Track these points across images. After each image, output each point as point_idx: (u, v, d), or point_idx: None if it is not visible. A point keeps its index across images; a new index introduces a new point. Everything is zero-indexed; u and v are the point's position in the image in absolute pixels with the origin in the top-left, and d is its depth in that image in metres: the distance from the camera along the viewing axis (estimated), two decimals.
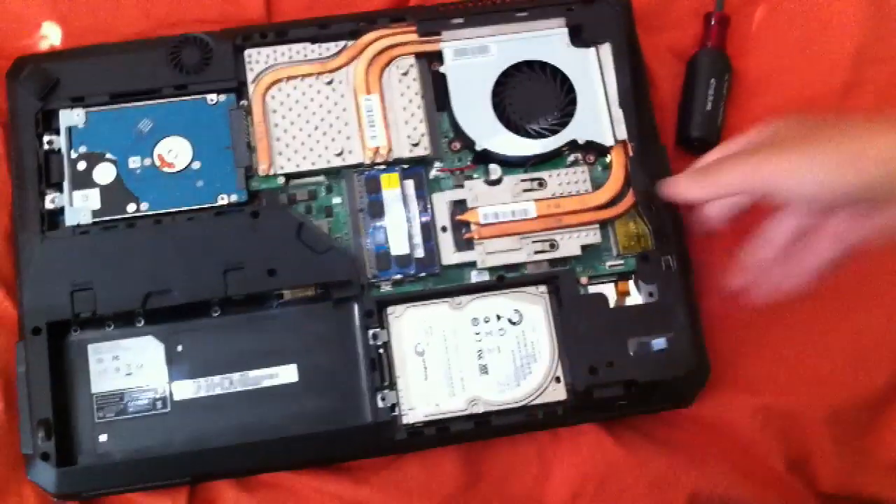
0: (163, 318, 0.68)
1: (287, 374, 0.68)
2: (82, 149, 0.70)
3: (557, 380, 0.68)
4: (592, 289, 0.70)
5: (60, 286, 0.67)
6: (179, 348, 0.68)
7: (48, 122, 0.71)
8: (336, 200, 0.71)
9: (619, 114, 0.72)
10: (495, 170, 0.71)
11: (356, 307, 0.68)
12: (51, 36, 0.76)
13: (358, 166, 0.71)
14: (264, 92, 0.71)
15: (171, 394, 0.67)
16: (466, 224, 0.70)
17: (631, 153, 0.71)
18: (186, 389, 0.67)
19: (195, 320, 0.68)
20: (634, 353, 0.67)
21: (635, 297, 0.70)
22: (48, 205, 0.69)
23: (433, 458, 0.69)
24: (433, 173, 0.72)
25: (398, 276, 0.69)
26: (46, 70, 0.71)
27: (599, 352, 0.67)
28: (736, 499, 0.70)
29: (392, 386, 0.67)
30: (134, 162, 0.70)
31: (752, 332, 0.73)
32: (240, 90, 0.72)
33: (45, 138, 0.70)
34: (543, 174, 0.71)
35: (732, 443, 0.71)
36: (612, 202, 0.71)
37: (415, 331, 0.68)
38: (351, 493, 0.68)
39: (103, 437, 0.66)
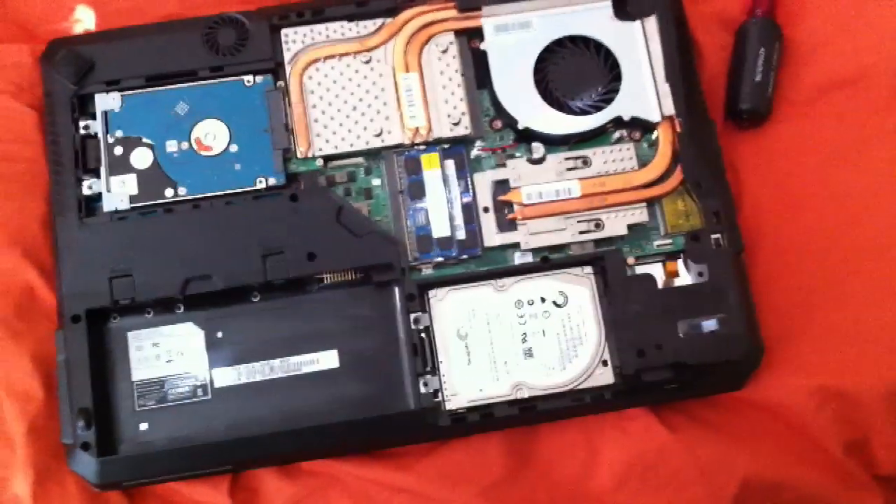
0: (202, 304, 0.67)
1: (328, 359, 0.67)
2: (118, 133, 0.69)
3: (605, 363, 0.66)
4: (640, 269, 0.68)
5: (99, 273, 0.66)
6: (219, 335, 0.67)
7: (84, 107, 0.70)
8: (375, 182, 0.70)
9: (665, 88, 0.70)
10: (538, 148, 0.69)
11: (397, 291, 0.67)
12: (85, 19, 0.75)
13: (397, 147, 0.70)
14: (301, 72, 0.70)
15: (211, 381, 0.66)
16: (509, 204, 0.68)
17: (678, 129, 0.69)
18: (227, 376, 0.66)
19: (235, 306, 0.67)
20: (684, 334, 0.65)
21: (684, 278, 0.68)
22: (85, 191, 0.68)
23: (477, 444, 0.68)
24: (474, 153, 0.70)
25: (440, 259, 0.68)
26: (81, 53, 0.70)
27: (648, 334, 0.65)
28: (791, 483, 0.68)
29: (434, 371, 0.66)
30: (171, 146, 0.69)
31: (807, 312, 0.70)
32: (277, 71, 0.71)
33: (81, 123, 0.69)
34: (587, 152, 0.69)
35: (787, 426, 0.69)
36: (659, 180, 0.69)
37: (457, 314, 0.66)
38: (394, 480, 0.67)
39: (144, 426, 0.66)
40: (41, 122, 0.71)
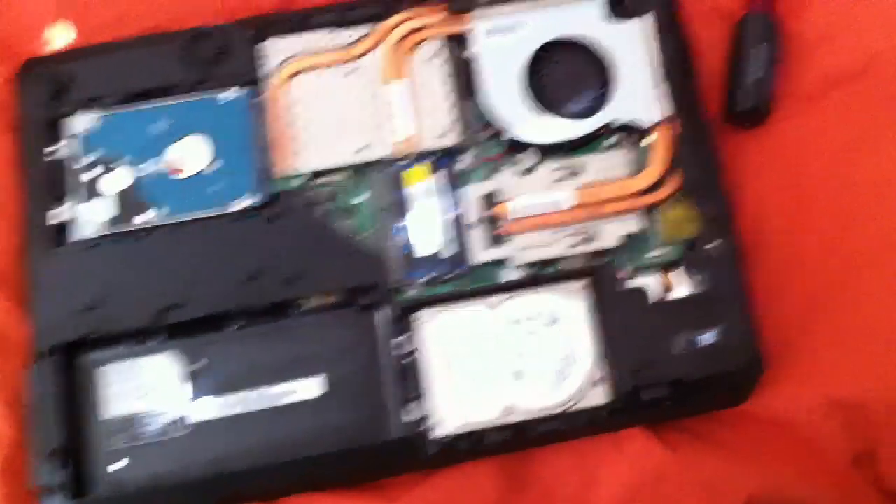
0: (179, 333, 0.64)
1: (311, 388, 0.64)
2: (93, 155, 0.66)
3: (599, 382, 0.63)
4: (635, 281, 0.65)
5: (71, 305, 0.63)
6: (197, 365, 0.64)
7: (59, 128, 0.68)
8: (360, 199, 0.67)
9: (661, 90, 0.67)
10: (529, 158, 0.66)
11: (381, 313, 0.64)
12: (63, 35, 0.73)
13: (382, 161, 0.67)
14: (284, 84, 0.67)
15: (190, 414, 0.64)
16: (498, 218, 0.65)
17: (676, 132, 0.66)
18: (205, 409, 0.64)
19: (213, 334, 0.65)
20: (682, 349, 0.63)
21: (683, 288, 0.65)
22: (57, 218, 0.66)
23: (468, 472, 0.65)
24: (463, 164, 0.67)
25: (426, 278, 0.65)
26: (55, 72, 0.68)
27: (643, 350, 0.62)
28: (798, 499, 0.65)
29: (420, 397, 0.63)
30: (146, 167, 0.66)
31: (813, 319, 0.67)
32: (258, 84, 0.68)
33: (55, 145, 0.67)
34: (581, 160, 0.66)
35: (793, 439, 0.66)
36: (655, 186, 0.66)
37: (444, 336, 0.64)
38: None
39: (121, 464, 0.63)
40: (16, 145, 0.69)
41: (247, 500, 0.64)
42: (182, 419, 0.64)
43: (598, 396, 0.63)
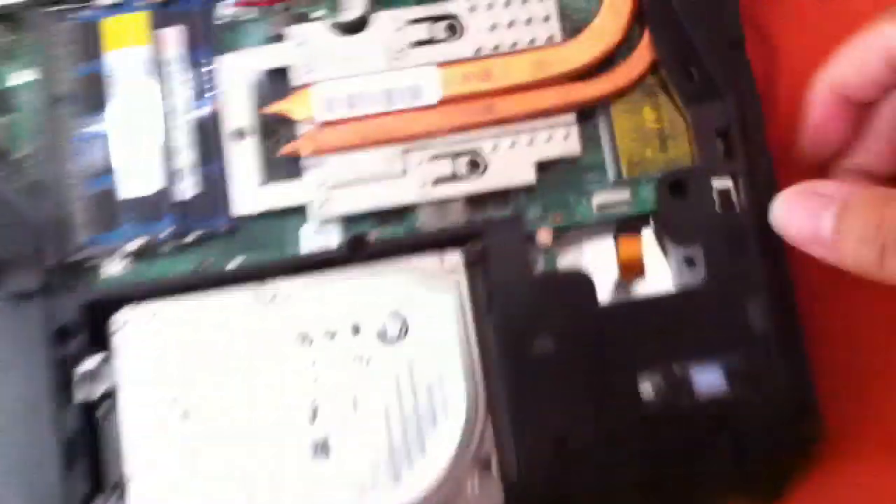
0: None
1: None
2: None
3: (485, 465, 0.34)
4: (563, 256, 0.36)
5: None
6: None
7: None
8: (14, 78, 0.38)
9: None
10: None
11: (42, 314, 0.35)
12: None
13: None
14: None
15: None
16: (289, 122, 0.36)
17: None
18: None
19: None
20: (654, 400, 0.34)
21: (657, 274, 0.37)
22: None
23: None
24: (223, 11, 0.38)
25: (138, 242, 0.36)
26: None
27: (576, 403, 0.34)
28: None
29: (118, 489, 0.34)
30: None
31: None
32: None
33: None
34: (456, 6, 0.37)
35: None
36: (603, 63, 0.37)
37: (170, 362, 0.34)
38: None
39: None
40: None
41: None
42: None
43: (485, 495, 0.34)
